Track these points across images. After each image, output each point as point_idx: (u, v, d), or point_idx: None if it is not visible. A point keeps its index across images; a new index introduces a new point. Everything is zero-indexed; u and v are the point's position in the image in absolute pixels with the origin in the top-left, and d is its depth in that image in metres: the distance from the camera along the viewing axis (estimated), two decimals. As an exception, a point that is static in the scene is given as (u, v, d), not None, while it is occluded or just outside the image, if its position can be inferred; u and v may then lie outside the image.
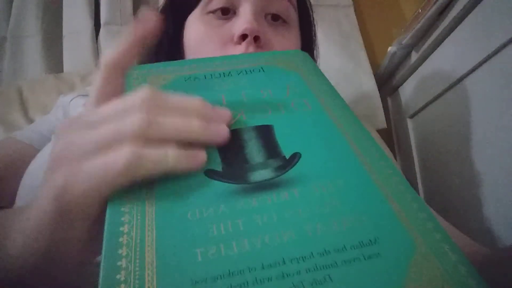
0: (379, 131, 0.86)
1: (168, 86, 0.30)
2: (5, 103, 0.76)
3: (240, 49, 0.46)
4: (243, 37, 0.46)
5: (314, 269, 0.18)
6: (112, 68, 0.27)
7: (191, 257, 0.18)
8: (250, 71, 0.32)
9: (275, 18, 0.51)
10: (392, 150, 0.86)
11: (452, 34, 0.69)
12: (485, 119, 0.60)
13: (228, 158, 0.24)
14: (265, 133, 0.26)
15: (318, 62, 0.66)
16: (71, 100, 0.57)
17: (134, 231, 0.19)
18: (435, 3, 0.69)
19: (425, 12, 0.72)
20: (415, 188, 0.84)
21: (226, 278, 0.17)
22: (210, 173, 0.23)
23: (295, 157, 0.24)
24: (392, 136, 1.00)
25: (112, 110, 0.23)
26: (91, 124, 0.23)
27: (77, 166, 0.21)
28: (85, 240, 0.23)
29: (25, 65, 0.93)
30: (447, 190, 0.72)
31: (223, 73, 0.31)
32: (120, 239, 0.19)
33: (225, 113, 0.25)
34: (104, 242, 0.19)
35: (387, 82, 1.01)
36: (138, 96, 0.23)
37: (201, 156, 0.23)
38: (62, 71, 0.94)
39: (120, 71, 0.27)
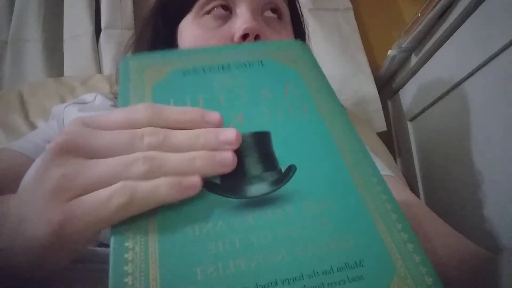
0: (379, 134, 0.86)
1: (166, 81, 0.29)
2: (6, 107, 0.77)
3: None
4: (244, 36, 0.46)
5: None
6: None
7: (192, 276, 0.19)
8: (249, 64, 0.31)
9: (274, 11, 0.52)
10: (392, 153, 0.86)
11: (451, 38, 0.70)
12: (485, 122, 0.60)
13: None
14: (263, 141, 0.26)
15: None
16: (65, 107, 0.57)
17: (138, 255, 0.20)
18: (434, 6, 0.69)
19: (425, 16, 0.72)
20: (416, 190, 0.84)
21: None
22: (209, 186, 0.23)
23: (290, 170, 0.24)
24: (393, 139, 1.00)
25: (116, 141, 0.23)
26: (94, 152, 0.23)
27: (76, 202, 0.22)
28: (70, 258, 0.24)
29: (26, 69, 0.93)
30: (447, 192, 0.72)
31: (222, 66, 0.31)
32: (125, 268, 0.20)
33: (231, 136, 0.24)
34: (110, 269, 0.20)
35: (387, 85, 1.01)
36: (142, 129, 0.23)
37: (195, 185, 0.22)
38: (62, 75, 0.94)
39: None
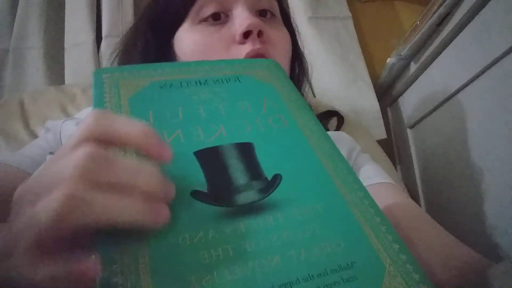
0: (379, 142, 0.86)
1: (143, 93, 0.29)
2: (6, 115, 0.77)
3: (246, 47, 0.46)
4: (246, 35, 0.46)
5: None
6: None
7: (187, 285, 0.19)
8: (227, 80, 0.32)
9: (263, 13, 0.52)
10: (392, 160, 0.86)
11: (450, 45, 0.70)
12: (484, 129, 0.60)
13: (213, 177, 0.24)
14: (247, 152, 0.26)
15: (304, 50, 0.67)
16: (63, 122, 0.57)
17: (127, 266, 0.19)
18: (433, 14, 0.70)
19: (424, 24, 0.72)
20: (416, 197, 0.84)
21: None
22: (197, 195, 0.23)
23: (277, 179, 0.25)
24: (393, 146, 1.00)
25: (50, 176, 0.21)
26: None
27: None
28: None
29: (27, 77, 0.93)
30: (448, 199, 0.72)
31: (199, 81, 0.31)
32: (115, 279, 0.19)
33: (170, 190, 0.22)
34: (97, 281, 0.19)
35: (386, 92, 1.01)
36: (76, 156, 0.19)
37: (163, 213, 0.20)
38: (63, 83, 0.94)
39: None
